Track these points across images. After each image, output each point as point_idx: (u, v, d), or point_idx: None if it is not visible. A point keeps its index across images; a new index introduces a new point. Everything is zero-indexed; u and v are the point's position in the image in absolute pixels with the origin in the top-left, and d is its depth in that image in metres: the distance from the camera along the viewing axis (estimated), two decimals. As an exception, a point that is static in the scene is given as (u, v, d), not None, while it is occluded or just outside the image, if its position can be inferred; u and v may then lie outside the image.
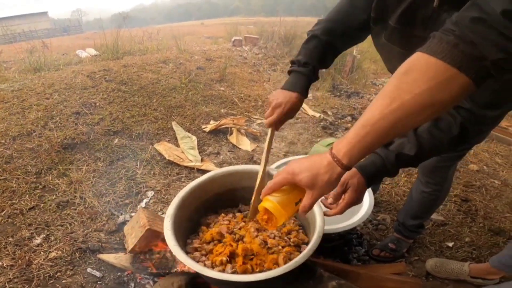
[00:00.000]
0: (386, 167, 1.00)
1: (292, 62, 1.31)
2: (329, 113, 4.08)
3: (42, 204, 2.01)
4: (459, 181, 2.69)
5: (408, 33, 1.08)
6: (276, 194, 0.84)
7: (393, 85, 0.70)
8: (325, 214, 1.08)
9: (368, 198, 1.74)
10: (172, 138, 2.87)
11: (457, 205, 2.41)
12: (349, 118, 3.96)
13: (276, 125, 1.27)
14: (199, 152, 2.74)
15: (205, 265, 1.10)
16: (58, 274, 1.62)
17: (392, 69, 1.37)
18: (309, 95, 4.56)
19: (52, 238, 1.81)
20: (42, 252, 1.71)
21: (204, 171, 2.48)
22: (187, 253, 1.11)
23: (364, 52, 5.87)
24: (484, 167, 2.98)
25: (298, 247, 1.17)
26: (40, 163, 2.29)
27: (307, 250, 0.98)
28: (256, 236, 1.21)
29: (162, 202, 2.18)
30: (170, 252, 1.19)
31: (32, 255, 1.69)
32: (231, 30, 8.10)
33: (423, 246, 2.04)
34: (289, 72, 1.31)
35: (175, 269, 1.41)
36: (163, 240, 1.12)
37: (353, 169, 1.03)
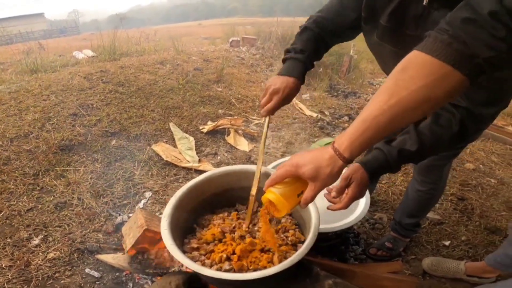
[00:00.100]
0: (389, 162, 1.02)
1: (287, 51, 1.31)
2: (326, 113, 4.09)
3: (40, 205, 2.01)
4: (455, 180, 2.71)
5: (400, 31, 1.10)
6: (279, 186, 0.87)
7: (391, 82, 0.73)
8: (329, 209, 1.10)
9: (364, 197, 1.74)
10: (169, 139, 2.88)
11: (453, 204, 2.42)
12: (346, 118, 3.97)
13: (273, 111, 1.26)
14: (197, 153, 2.75)
15: (204, 264, 1.10)
16: (57, 274, 1.62)
17: (385, 68, 1.38)
18: (306, 95, 4.58)
19: (50, 239, 1.81)
20: (40, 253, 1.72)
21: (201, 172, 2.49)
22: (184, 252, 1.12)
23: (361, 52, 5.89)
24: (480, 166, 3.00)
25: (294, 246, 1.18)
26: (38, 164, 2.29)
27: (302, 249, 0.99)
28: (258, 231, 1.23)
29: (160, 202, 2.19)
30: (168, 252, 1.20)
31: (31, 255, 1.70)
32: (228, 30, 8.11)
33: (419, 245, 2.05)
34: (284, 61, 1.31)
35: (173, 269, 1.42)
36: (161, 240, 1.13)
37: (357, 164, 1.05)
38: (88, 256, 1.73)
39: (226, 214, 1.36)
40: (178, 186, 2.36)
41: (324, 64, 5.50)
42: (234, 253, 1.12)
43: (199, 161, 2.64)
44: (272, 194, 0.86)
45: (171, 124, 3.02)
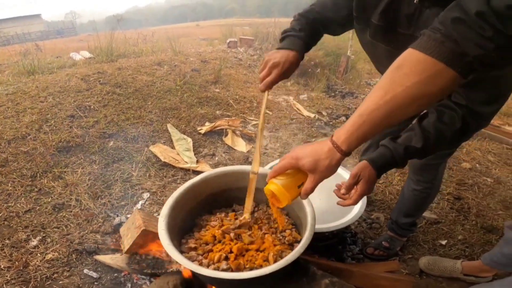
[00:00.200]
0: (395, 159, 1.04)
1: (285, 31, 1.31)
2: (324, 113, 4.11)
3: (38, 207, 2.01)
4: (451, 179, 2.72)
5: (392, 30, 1.11)
6: (280, 177, 0.91)
7: (387, 78, 0.76)
8: (339, 204, 1.14)
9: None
10: (167, 140, 2.88)
11: (450, 203, 2.43)
12: (343, 118, 3.98)
13: (272, 85, 1.26)
14: (195, 154, 2.76)
15: (201, 263, 1.11)
16: (55, 275, 1.62)
17: (379, 67, 1.40)
18: (304, 95, 4.59)
19: (49, 240, 1.82)
20: (38, 254, 1.72)
21: (199, 173, 2.49)
22: (181, 252, 1.12)
23: (359, 52, 5.90)
24: (477, 165, 3.01)
25: (291, 246, 1.19)
26: (35, 166, 2.29)
27: (298, 248, 1.00)
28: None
29: (157, 203, 2.19)
30: (166, 252, 1.20)
31: (29, 256, 1.70)
32: (226, 31, 8.12)
33: (416, 244, 2.06)
34: (283, 39, 1.30)
35: (171, 269, 1.43)
36: (158, 241, 1.13)
37: (364, 162, 1.08)
38: (86, 257, 1.74)
39: (223, 214, 1.36)
40: (176, 187, 2.36)
41: (321, 65, 5.52)
42: (232, 251, 1.13)
43: (197, 162, 2.65)
44: (274, 185, 0.90)
45: (168, 125, 3.03)
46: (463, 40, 0.67)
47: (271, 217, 1.32)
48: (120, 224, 1.93)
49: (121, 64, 4.16)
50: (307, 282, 1.20)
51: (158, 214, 2.04)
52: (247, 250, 1.14)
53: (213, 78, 4.29)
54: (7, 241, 1.77)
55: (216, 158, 2.79)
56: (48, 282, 1.59)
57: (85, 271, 1.65)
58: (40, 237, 1.82)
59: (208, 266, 1.09)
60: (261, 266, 1.06)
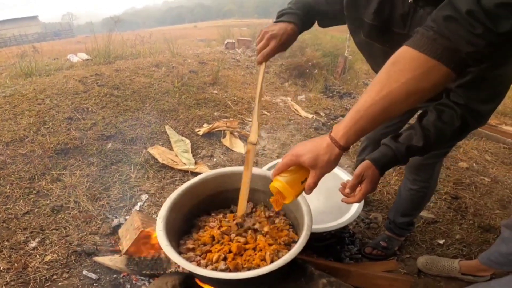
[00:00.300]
0: (397, 158, 1.07)
1: (282, 9, 1.31)
2: (322, 114, 4.12)
3: (37, 209, 2.01)
4: (449, 179, 2.73)
5: (387, 30, 1.12)
6: (284, 175, 0.93)
7: (383, 75, 0.78)
8: (343, 201, 1.16)
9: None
10: (165, 141, 2.89)
11: (447, 202, 2.45)
12: (341, 118, 3.98)
13: (269, 57, 1.25)
14: (193, 155, 2.76)
15: (199, 264, 1.12)
16: (54, 276, 1.63)
17: (374, 66, 1.41)
18: (302, 96, 4.60)
19: (48, 241, 1.82)
20: (37, 256, 1.72)
21: (198, 174, 2.49)
22: (180, 253, 1.13)
23: (356, 53, 5.91)
24: (474, 164, 3.03)
25: (288, 246, 1.19)
26: (34, 168, 2.29)
27: (295, 248, 1.01)
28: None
29: (156, 205, 2.20)
30: (164, 253, 1.21)
31: (28, 258, 1.70)
32: (224, 32, 8.11)
33: (414, 243, 2.07)
34: (280, 16, 1.30)
35: (170, 270, 1.43)
36: (157, 242, 1.14)
37: (367, 162, 1.11)
38: (85, 259, 1.74)
39: (221, 215, 1.37)
40: (174, 188, 2.36)
41: (319, 65, 5.53)
42: (230, 251, 1.13)
43: (195, 163, 2.65)
44: (279, 182, 0.92)
45: (167, 127, 3.03)
46: (455, 38, 0.69)
47: (269, 218, 1.32)
48: (118, 226, 1.93)
49: (118, 66, 4.15)
50: (305, 282, 1.21)
51: (157, 216, 2.04)
52: (245, 250, 1.15)
53: (211, 79, 4.29)
54: (6, 243, 1.77)
55: (214, 160, 2.80)
56: (48, 284, 1.59)
57: (84, 272, 1.66)
58: (39, 239, 1.83)
59: (206, 266, 1.10)
60: (258, 266, 1.07)
